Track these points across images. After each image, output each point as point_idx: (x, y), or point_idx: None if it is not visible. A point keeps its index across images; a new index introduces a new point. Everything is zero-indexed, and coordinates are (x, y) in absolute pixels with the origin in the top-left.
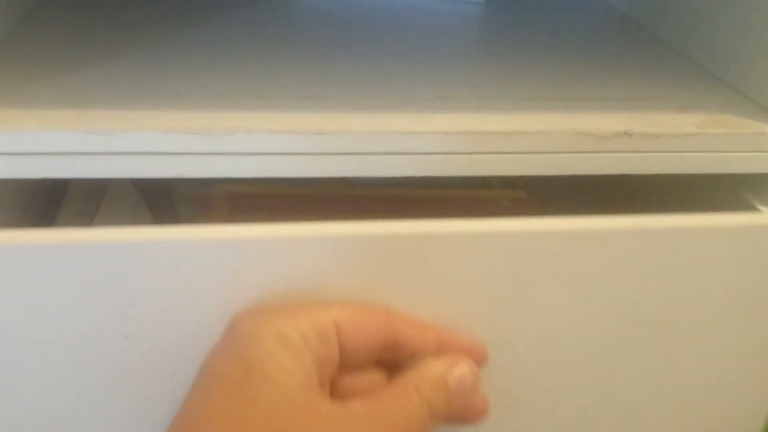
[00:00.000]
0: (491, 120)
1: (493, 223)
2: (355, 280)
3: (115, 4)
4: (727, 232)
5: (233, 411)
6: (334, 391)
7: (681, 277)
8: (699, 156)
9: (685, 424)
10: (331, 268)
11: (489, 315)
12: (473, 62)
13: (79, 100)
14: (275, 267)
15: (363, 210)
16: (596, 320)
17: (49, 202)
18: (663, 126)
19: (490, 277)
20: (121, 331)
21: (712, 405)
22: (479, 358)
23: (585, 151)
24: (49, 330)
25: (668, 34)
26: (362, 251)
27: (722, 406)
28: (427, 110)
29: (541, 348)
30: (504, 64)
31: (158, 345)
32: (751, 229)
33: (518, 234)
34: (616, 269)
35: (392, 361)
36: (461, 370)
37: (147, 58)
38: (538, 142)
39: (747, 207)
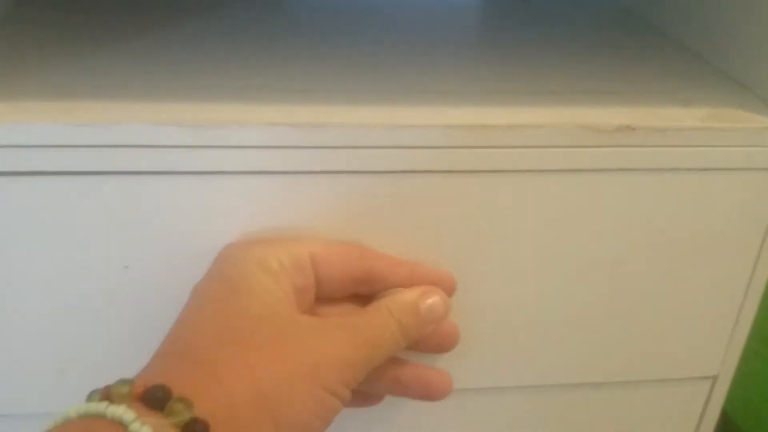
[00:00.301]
0: (492, 113)
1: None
2: (332, 218)
3: None
4: (682, 175)
5: (221, 321)
6: None
7: (638, 219)
8: (703, 150)
9: (643, 364)
10: (313, 205)
11: (458, 252)
12: (474, 56)
13: (68, 92)
14: (264, 202)
15: None
16: (558, 258)
17: None
18: (667, 120)
19: (460, 215)
20: (120, 262)
21: (668, 345)
22: (448, 289)
23: (587, 145)
24: (49, 259)
25: (673, 28)
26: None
27: (678, 347)
28: (426, 103)
29: (506, 284)
30: (505, 57)
31: (156, 275)
32: (704, 172)
33: (485, 174)
34: (577, 210)
35: (367, 295)
36: (432, 297)
37: (137, 50)
38: (539, 136)
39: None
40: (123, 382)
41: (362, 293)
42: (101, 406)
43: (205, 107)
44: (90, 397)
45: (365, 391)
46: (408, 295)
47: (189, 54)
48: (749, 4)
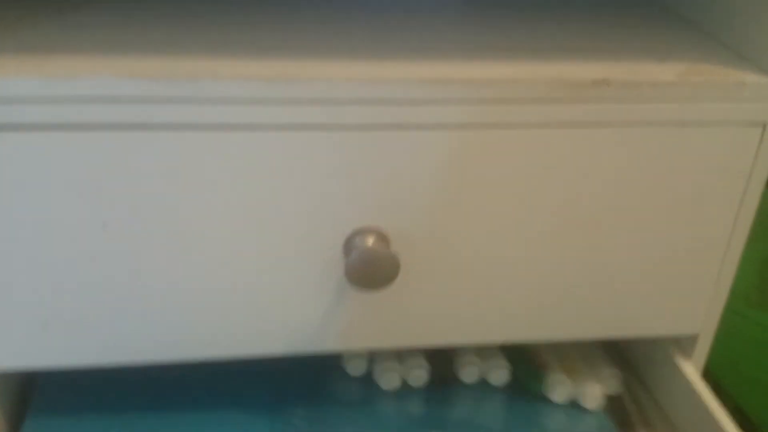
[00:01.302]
0: (469, 68)
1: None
2: (304, 173)
3: None
4: (659, 130)
5: None
6: None
7: (615, 174)
8: (679, 106)
9: (623, 321)
10: (285, 160)
11: (435, 208)
12: (454, 14)
13: (42, 48)
14: (237, 157)
15: None
16: (536, 213)
17: None
18: (642, 75)
19: (434, 170)
20: (99, 219)
21: (648, 303)
22: None
23: (564, 100)
24: (29, 216)
25: None
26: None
27: (658, 305)
28: (401, 59)
29: (485, 240)
30: (485, 16)
31: (133, 232)
32: (681, 126)
33: (461, 128)
34: (554, 165)
35: None
36: None
37: (112, 7)
38: (516, 89)
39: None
40: None
41: None
42: None
43: (180, 61)
44: None
45: None
46: None
47: (166, 9)
48: None
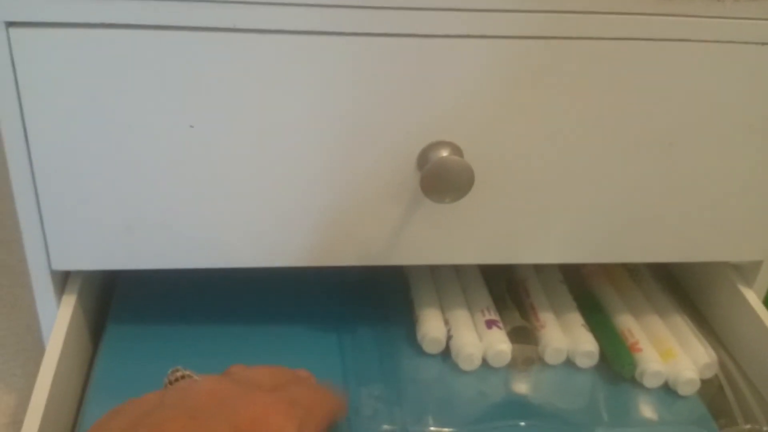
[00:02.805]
0: None
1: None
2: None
3: None
4: (740, 48)
5: None
6: None
7: (689, 96)
8: (764, 23)
9: (692, 245)
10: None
11: (502, 125)
12: None
13: None
14: (321, 64)
15: None
16: (614, 132)
17: None
18: None
19: (504, 84)
20: (186, 121)
21: (715, 227)
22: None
23: (645, 12)
24: (118, 117)
25: None
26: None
27: (724, 229)
28: None
29: (561, 160)
30: None
31: (219, 135)
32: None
33: (534, 42)
34: (634, 81)
35: None
36: None
37: None
38: (598, 0)
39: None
40: None
41: None
42: None
43: None
44: None
45: None
46: None
47: None
48: None
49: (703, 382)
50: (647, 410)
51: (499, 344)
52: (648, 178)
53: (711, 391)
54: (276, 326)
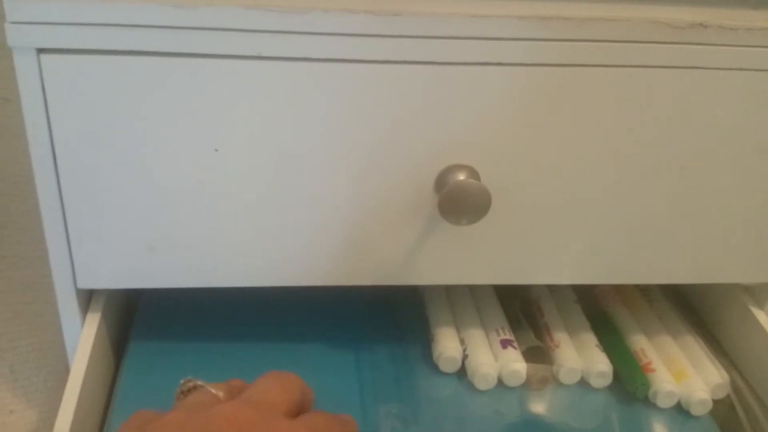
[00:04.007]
0: (567, 6)
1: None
2: (404, 108)
3: None
4: (753, 76)
5: None
6: None
7: (707, 118)
8: None
9: (706, 268)
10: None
11: (526, 147)
12: None
13: None
14: (343, 90)
15: None
16: (628, 156)
17: None
18: (739, 20)
19: (528, 108)
20: (210, 145)
21: (726, 249)
22: None
23: (659, 41)
24: (141, 139)
25: None
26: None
27: (735, 251)
28: None
29: (575, 181)
30: None
31: (244, 159)
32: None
33: (556, 68)
34: (647, 107)
35: None
36: None
37: None
38: (613, 29)
39: None
40: None
41: None
42: None
43: None
44: None
45: None
46: None
47: None
48: None
49: (716, 402)
50: (660, 430)
51: (515, 364)
52: (660, 200)
53: (723, 412)
54: (294, 344)
